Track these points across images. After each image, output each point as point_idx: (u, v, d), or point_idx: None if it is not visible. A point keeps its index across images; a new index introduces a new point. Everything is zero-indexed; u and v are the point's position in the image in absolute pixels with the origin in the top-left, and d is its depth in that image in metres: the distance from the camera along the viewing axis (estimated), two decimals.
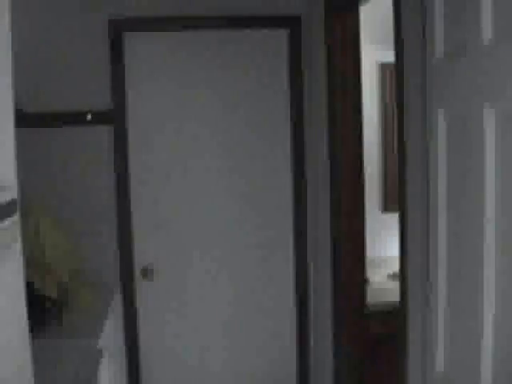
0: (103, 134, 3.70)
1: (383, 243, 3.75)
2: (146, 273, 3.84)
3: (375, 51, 3.94)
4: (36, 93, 3.58)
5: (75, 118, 3.66)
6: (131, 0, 3.66)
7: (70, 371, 2.51)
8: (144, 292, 3.86)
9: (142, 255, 3.84)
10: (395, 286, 2.69)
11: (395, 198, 2.90)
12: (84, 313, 3.31)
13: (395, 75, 2.55)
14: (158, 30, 3.72)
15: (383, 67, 4.15)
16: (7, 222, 1.29)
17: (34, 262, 3.13)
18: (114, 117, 3.70)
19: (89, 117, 3.66)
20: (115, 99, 3.69)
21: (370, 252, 3.75)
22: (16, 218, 1.39)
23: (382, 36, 3.05)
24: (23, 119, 3.44)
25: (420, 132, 2.30)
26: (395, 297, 2.64)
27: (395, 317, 2.66)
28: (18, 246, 1.47)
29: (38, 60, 3.59)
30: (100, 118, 3.68)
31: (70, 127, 3.67)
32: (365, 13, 3.40)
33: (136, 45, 3.72)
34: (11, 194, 1.37)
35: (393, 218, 2.65)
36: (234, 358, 3.95)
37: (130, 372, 3.86)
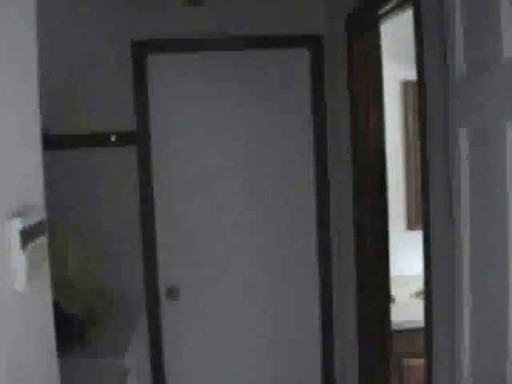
0: (127, 155, 3.74)
1: (408, 261, 3.74)
2: (171, 292, 3.85)
3: (397, 69, 3.94)
4: (60, 115, 3.63)
5: (100, 140, 3.70)
6: (154, 22, 3.70)
7: None
8: (169, 311, 3.87)
9: (166, 275, 3.86)
10: (420, 304, 2.68)
11: (419, 216, 2.90)
12: (109, 332, 3.33)
13: (417, 93, 2.55)
14: (181, 51, 3.76)
15: (405, 85, 4.16)
16: (36, 242, 1.31)
17: (60, 282, 3.15)
18: (138, 137, 3.73)
19: (113, 138, 3.69)
20: (139, 120, 3.73)
21: (395, 270, 3.74)
22: (44, 238, 1.41)
23: (404, 54, 3.05)
24: (48, 141, 3.49)
25: (442, 149, 2.30)
26: (420, 315, 2.63)
27: (421, 335, 2.65)
28: (46, 266, 1.49)
29: (62, 83, 3.64)
30: (124, 138, 3.72)
31: (94, 148, 3.71)
32: (386, 31, 3.41)
33: (159, 66, 3.76)
34: (40, 214, 1.39)
35: (418, 236, 2.64)
36: (259, 377, 3.94)
37: None
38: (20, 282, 1.22)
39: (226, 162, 3.82)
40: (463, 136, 1.96)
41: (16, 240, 1.19)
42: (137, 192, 3.76)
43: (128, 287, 3.77)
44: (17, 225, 1.19)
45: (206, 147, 3.83)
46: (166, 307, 3.88)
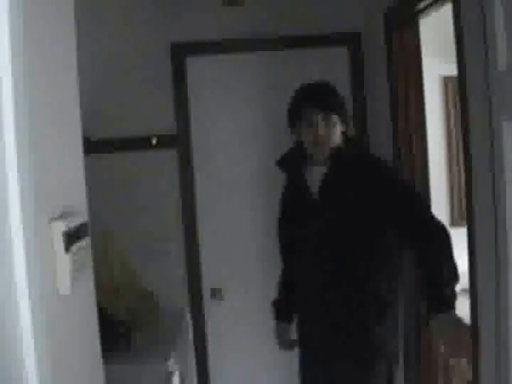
0: (168, 157, 3.76)
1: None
2: (216, 293, 3.86)
3: (437, 64, 3.89)
4: (101, 119, 3.66)
5: (141, 143, 3.73)
6: (192, 24, 3.71)
7: None
8: (213, 313, 3.88)
9: (210, 276, 3.87)
10: (465, 301, 2.62)
11: (463, 213, 2.85)
12: (154, 335, 3.34)
13: (458, 88, 2.52)
14: (220, 52, 3.77)
15: (446, 80, 4.10)
16: (80, 245, 1.32)
17: (103, 286, 3.18)
18: (179, 140, 3.75)
19: (154, 141, 3.71)
20: (179, 122, 3.74)
21: None
22: (88, 240, 1.43)
23: (444, 49, 3.01)
24: (90, 146, 3.52)
25: (486, 144, 2.26)
26: (466, 312, 2.58)
27: (467, 333, 2.61)
28: (90, 268, 1.51)
29: (102, 87, 3.67)
30: (164, 141, 3.74)
31: (135, 152, 3.74)
32: (425, 26, 3.37)
33: (198, 67, 3.77)
34: (82, 217, 1.40)
35: (461, 232, 2.59)
36: None
37: None
38: (65, 284, 1.23)
39: (267, 163, 3.80)
40: (507, 130, 1.93)
41: (60, 242, 1.20)
42: (178, 194, 3.78)
43: (172, 289, 3.78)
44: (60, 227, 1.21)
45: (247, 148, 3.83)
46: (210, 308, 3.88)
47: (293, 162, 3.01)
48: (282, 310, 3.21)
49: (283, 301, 3.20)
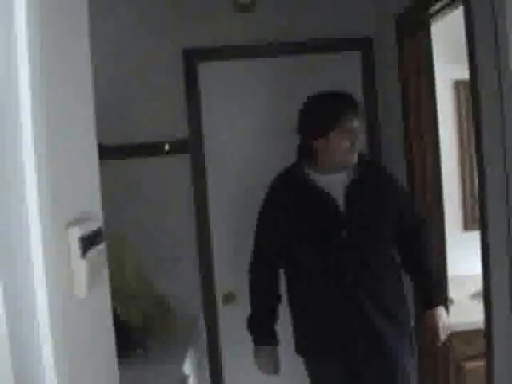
0: (181, 163, 3.77)
1: (465, 262, 3.68)
2: (229, 298, 3.87)
3: (449, 69, 3.90)
4: (114, 126, 3.67)
5: (153, 149, 3.74)
6: (204, 30, 3.73)
7: None
8: (227, 317, 3.89)
9: (223, 281, 3.88)
10: (479, 305, 2.63)
11: (476, 217, 2.86)
12: (168, 339, 3.36)
13: (470, 92, 2.52)
14: (232, 58, 3.78)
15: (458, 84, 4.11)
16: (96, 250, 1.33)
17: (117, 291, 3.20)
18: (191, 145, 3.76)
19: (167, 147, 3.73)
20: (191, 128, 3.76)
21: (453, 271, 3.68)
22: (103, 245, 1.44)
23: (456, 53, 3.01)
24: (103, 152, 3.53)
25: (499, 149, 2.26)
26: (480, 316, 2.58)
27: (480, 336, 2.61)
28: (105, 273, 1.52)
29: (115, 93, 3.69)
30: (177, 147, 3.75)
31: (148, 158, 3.75)
32: (437, 30, 3.37)
33: (210, 73, 3.79)
34: (98, 222, 1.41)
35: (475, 236, 2.61)
36: None
37: None
38: (81, 289, 1.24)
39: (280, 168, 3.81)
40: None
41: (76, 247, 1.21)
42: (191, 199, 3.79)
43: (185, 294, 3.80)
44: (76, 232, 1.22)
45: (260, 153, 3.84)
46: (224, 313, 3.89)
47: (302, 172, 2.99)
48: (268, 333, 3.13)
49: (268, 323, 3.12)
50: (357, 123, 2.85)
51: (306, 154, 3.01)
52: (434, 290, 3.05)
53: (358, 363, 2.97)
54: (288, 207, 2.95)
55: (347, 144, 2.84)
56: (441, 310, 3.01)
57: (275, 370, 3.15)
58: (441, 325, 3.00)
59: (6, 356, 0.94)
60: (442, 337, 3.02)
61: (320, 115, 2.90)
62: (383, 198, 2.96)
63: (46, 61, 1.12)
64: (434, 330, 3.01)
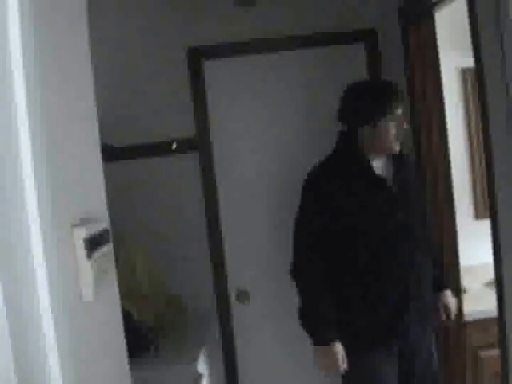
0: (189, 161, 3.76)
1: (477, 250, 3.66)
2: (242, 296, 3.86)
3: (454, 57, 3.87)
4: (121, 126, 3.68)
5: (161, 148, 3.74)
6: (206, 27, 3.72)
7: None
8: (240, 315, 3.89)
9: (236, 278, 3.87)
10: (492, 293, 2.63)
11: (487, 205, 2.84)
12: (181, 339, 3.36)
13: (476, 79, 2.50)
14: (237, 54, 3.77)
15: (464, 72, 4.08)
16: (102, 251, 1.33)
17: (129, 291, 3.20)
18: (199, 143, 3.76)
19: (174, 145, 3.73)
20: (198, 126, 3.75)
21: (466, 260, 3.67)
22: (110, 246, 1.44)
23: (460, 40, 2.99)
24: (111, 153, 3.54)
25: (506, 136, 2.25)
26: (493, 305, 2.57)
27: (495, 324, 2.60)
28: (113, 274, 1.52)
29: (120, 94, 3.70)
30: (185, 145, 3.74)
31: (156, 157, 3.75)
32: (442, 18, 3.35)
33: (215, 71, 3.78)
34: (103, 223, 1.41)
35: (486, 225, 2.60)
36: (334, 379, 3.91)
37: None
38: (87, 290, 1.24)
39: (289, 163, 3.80)
40: None
41: (81, 249, 1.21)
42: (201, 197, 3.78)
43: (197, 293, 3.79)
44: (81, 234, 1.22)
45: (268, 149, 3.83)
46: (237, 311, 3.89)
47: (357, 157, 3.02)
48: (335, 328, 2.95)
49: (333, 317, 2.96)
50: (401, 111, 2.93)
51: (349, 141, 3.02)
52: (444, 272, 3.24)
53: (410, 344, 3.02)
54: (347, 192, 2.93)
55: (394, 131, 2.92)
56: (449, 291, 3.25)
57: (343, 366, 2.95)
58: (453, 303, 3.24)
59: (8, 360, 0.94)
60: (454, 314, 3.24)
61: (369, 102, 2.94)
62: (417, 185, 3.17)
63: (42, 61, 1.11)
64: (448, 310, 3.22)
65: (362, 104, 2.96)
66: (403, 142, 3.01)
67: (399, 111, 2.91)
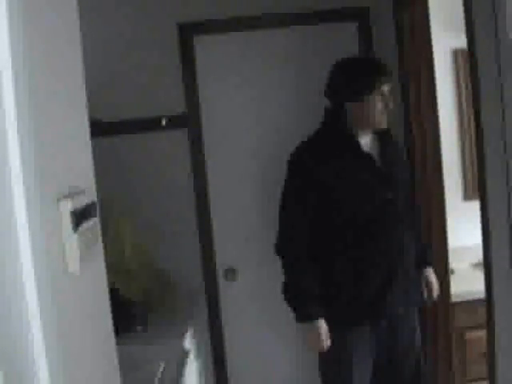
0: (179, 137, 3.75)
1: (466, 232, 3.68)
2: (229, 273, 3.86)
3: (447, 37, 3.86)
4: (111, 102, 3.65)
5: (150, 124, 3.72)
6: (198, 3, 3.69)
7: (155, 372, 2.56)
8: (227, 292, 3.89)
9: (224, 256, 3.87)
10: (480, 274, 2.64)
11: (476, 187, 2.85)
12: (168, 315, 3.36)
13: (469, 60, 2.50)
14: (227, 31, 3.74)
15: (456, 53, 4.07)
16: (88, 224, 1.32)
17: (117, 267, 3.20)
18: (189, 120, 3.74)
19: (164, 122, 3.71)
20: (188, 102, 3.73)
21: (454, 241, 3.68)
22: (96, 220, 1.43)
23: (455, 21, 2.98)
24: (101, 128, 3.52)
25: (498, 116, 2.25)
26: (481, 286, 2.59)
27: (482, 306, 2.62)
28: (99, 248, 1.51)
29: (110, 69, 3.66)
30: (174, 121, 3.72)
31: (145, 133, 3.73)
32: (435, 0, 3.35)
33: (206, 47, 3.75)
34: (90, 197, 1.40)
35: (475, 206, 2.61)
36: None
37: (216, 371, 3.90)
38: (73, 263, 1.23)
39: (279, 140, 3.78)
40: None
41: (67, 221, 1.20)
42: (190, 173, 3.77)
43: (185, 269, 3.79)
44: (67, 206, 1.20)
45: (258, 125, 3.81)
46: (225, 288, 3.89)
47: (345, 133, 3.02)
48: (321, 305, 2.95)
49: (318, 294, 2.95)
50: (388, 88, 2.93)
51: (336, 117, 3.01)
52: (428, 250, 3.30)
53: (393, 319, 3.05)
54: (333, 168, 2.93)
55: (380, 107, 2.92)
56: (431, 268, 3.28)
57: (327, 342, 2.96)
58: (435, 280, 3.26)
59: None
60: (436, 292, 3.26)
61: (355, 78, 2.95)
62: (402, 163, 3.20)
63: (29, 35, 1.10)
64: (431, 285, 3.24)
65: (349, 80, 2.97)
66: (391, 121, 3.01)
67: (386, 88, 2.91)
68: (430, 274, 3.24)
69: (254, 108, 3.80)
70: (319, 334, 2.92)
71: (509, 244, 2.24)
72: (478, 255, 2.61)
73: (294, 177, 3.01)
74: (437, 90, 3.43)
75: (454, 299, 3.49)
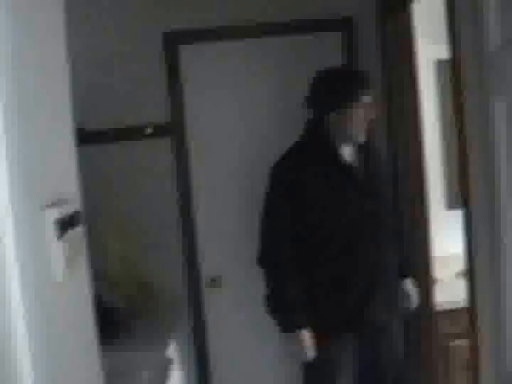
0: (163, 147, 3.74)
1: (448, 240, 3.69)
2: (213, 282, 3.86)
3: (431, 48, 3.88)
4: (96, 110, 3.64)
5: (135, 133, 3.72)
6: (184, 13, 3.70)
7: (140, 381, 2.54)
8: (211, 301, 3.88)
9: (208, 264, 3.86)
10: (463, 283, 2.66)
11: (459, 195, 2.86)
12: (152, 324, 3.35)
13: (451, 71, 2.52)
14: (212, 40, 3.75)
15: (440, 64, 4.09)
16: (73, 232, 1.32)
17: (101, 276, 3.19)
18: (173, 129, 3.74)
19: (148, 130, 3.70)
20: (173, 111, 3.73)
21: (438, 250, 3.70)
22: (81, 228, 1.42)
23: (438, 32, 3.01)
24: (85, 137, 3.51)
25: (480, 125, 2.26)
26: (464, 294, 2.60)
27: (465, 315, 2.63)
28: (84, 256, 1.51)
29: (96, 77, 3.66)
30: (159, 130, 3.72)
31: (130, 142, 3.73)
32: (419, 10, 3.37)
33: (191, 56, 3.75)
34: (75, 205, 1.40)
35: (458, 215, 2.62)
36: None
37: (200, 380, 3.88)
38: (58, 272, 1.23)
39: (263, 151, 3.78)
40: (500, 110, 1.93)
41: (51, 230, 1.20)
42: (174, 183, 3.77)
43: (169, 278, 3.78)
44: (52, 215, 1.20)
45: (242, 135, 3.81)
46: (209, 297, 3.88)
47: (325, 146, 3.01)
48: (305, 315, 2.95)
49: (303, 304, 2.95)
50: (369, 99, 2.93)
51: (317, 128, 3.01)
52: (406, 262, 3.26)
53: (375, 330, 3.06)
54: (314, 179, 2.93)
55: (361, 119, 2.91)
56: (410, 279, 3.26)
57: (311, 353, 2.95)
58: (414, 292, 3.25)
59: None
60: (415, 304, 3.25)
61: (335, 89, 2.95)
62: (383, 173, 3.18)
63: (17, 42, 1.10)
64: (409, 297, 3.23)
65: (329, 90, 2.96)
66: (373, 131, 3.02)
67: (367, 99, 2.91)
68: (407, 286, 3.22)
69: (239, 118, 3.81)
70: (304, 344, 2.92)
71: (491, 252, 2.25)
72: (461, 264, 2.63)
73: (275, 190, 3.02)
74: (421, 101, 3.45)
75: (437, 308, 3.49)
